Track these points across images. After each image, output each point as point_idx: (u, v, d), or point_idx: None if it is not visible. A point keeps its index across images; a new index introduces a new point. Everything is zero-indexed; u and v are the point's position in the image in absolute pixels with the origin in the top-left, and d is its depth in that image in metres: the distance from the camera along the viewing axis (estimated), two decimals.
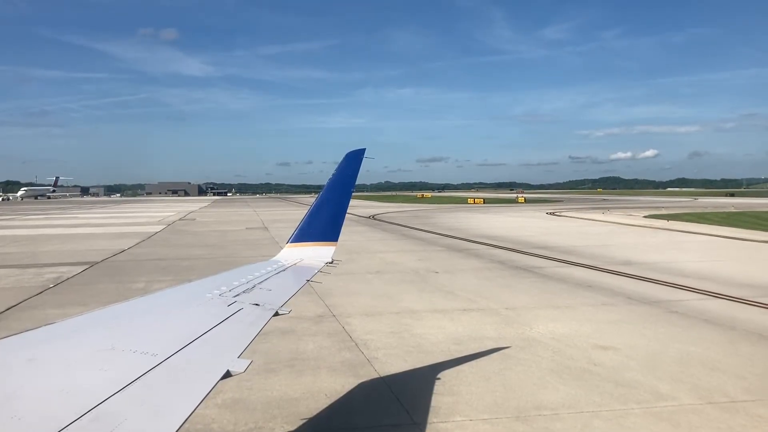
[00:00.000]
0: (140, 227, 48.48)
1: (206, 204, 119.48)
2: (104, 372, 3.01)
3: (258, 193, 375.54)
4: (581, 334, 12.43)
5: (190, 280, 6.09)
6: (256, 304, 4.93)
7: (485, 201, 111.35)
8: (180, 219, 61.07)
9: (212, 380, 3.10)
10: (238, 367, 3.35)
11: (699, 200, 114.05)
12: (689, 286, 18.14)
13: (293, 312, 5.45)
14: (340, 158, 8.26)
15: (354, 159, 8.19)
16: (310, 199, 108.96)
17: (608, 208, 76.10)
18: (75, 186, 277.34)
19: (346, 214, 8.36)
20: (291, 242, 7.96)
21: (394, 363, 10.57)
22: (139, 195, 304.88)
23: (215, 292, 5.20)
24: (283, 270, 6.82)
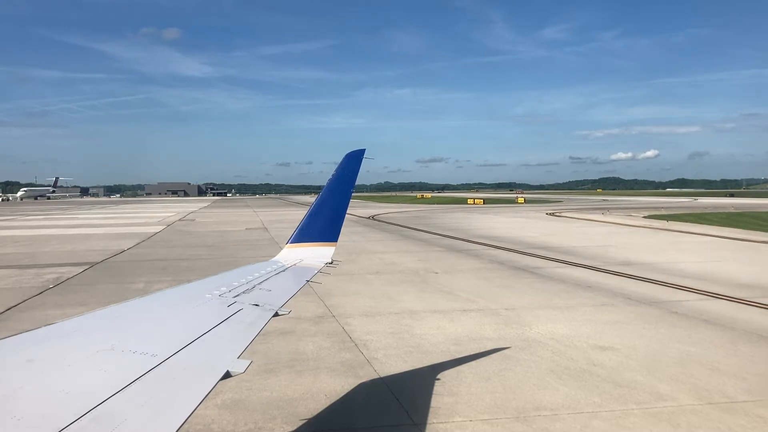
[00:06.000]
0: (140, 228, 48.48)
1: (206, 204, 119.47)
2: (104, 372, 3.01)
3: (258, 194, 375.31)
4: (581, 335, 12.43)
5: (189, 281, 6.09)
6: (256, 305, 4.93)
7: (485, 201, 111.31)
8: (180, 219, 61.07)
9: (212, 381, 3.10)
10: (237, 367, 3.36)
11: (699, 201, 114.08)
12: (689, 286, 18.15)
13: (293, 312, 5.45)
14: (339, 158, 8.27)
15: (354, 159, 8.19)
16: (310, 200, 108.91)
17: (608, 209, 76.12)
18: (75, 186, 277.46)
19: (346, 215, 8.36)
20: (291, 242, 7.96)
21: (393, 363, 10.57)
22: (139, 195, 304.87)
23: (215, 292, 5.20)
24: (283, 270, 6.82)
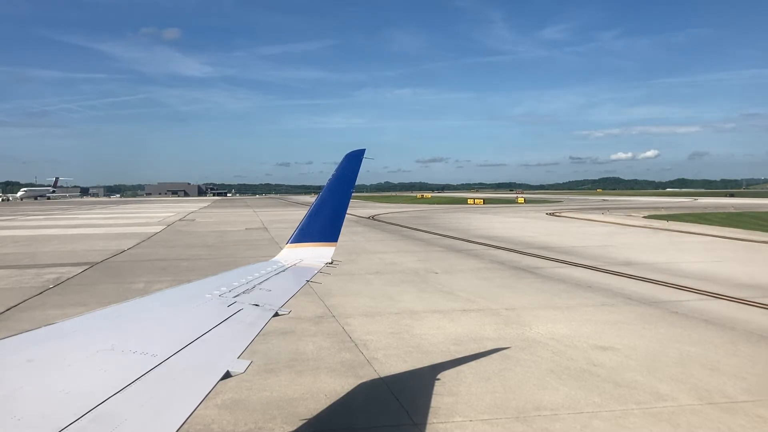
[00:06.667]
0: (140, 228, 48.48)
1: (206, 204, 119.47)
2: (104, 372, 3.01)
3: (258, 194, 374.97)
4: (581, 335, 12.43)
5: (189, 281, 6.09)
6: (256, 305, 4.93)
7: (485, 201, 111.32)
8: (180, 219, 61.07)
9: (212, 381, 3.10)
10: (237, 367, 3.36)
11: (699, 201, 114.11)
12: (689, 286, 18.15)
13: (293, 312, 5.45)
14: (339, 158, 8.27)
15: (354, 159, 8.19)
16: (310, 200, 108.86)
17: (608, 209, 76.13)
18: (75, 186, 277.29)
19: (346, 215, 8.36)
20: (291, 242, 7.96)
21: (393, 363, 10.57)
22: (139, 195, 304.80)
23: (215, 292, 5.20)
24: (283, 270, 6.83)
